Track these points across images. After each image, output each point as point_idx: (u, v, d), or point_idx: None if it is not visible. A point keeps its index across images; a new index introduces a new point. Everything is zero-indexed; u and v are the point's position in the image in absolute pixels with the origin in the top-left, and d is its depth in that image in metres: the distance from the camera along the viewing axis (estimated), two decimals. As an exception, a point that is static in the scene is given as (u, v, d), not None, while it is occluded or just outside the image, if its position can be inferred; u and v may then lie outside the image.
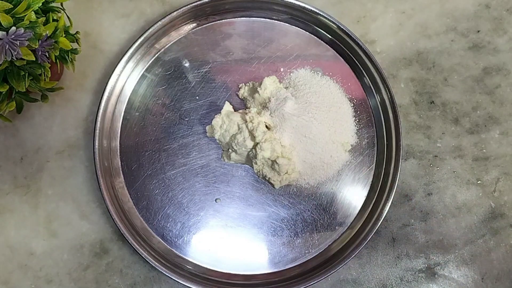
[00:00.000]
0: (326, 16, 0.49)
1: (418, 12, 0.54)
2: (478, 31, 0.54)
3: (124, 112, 0.49)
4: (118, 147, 0.49)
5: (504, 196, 0.51)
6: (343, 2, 0.53)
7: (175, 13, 0.48)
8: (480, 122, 0.52)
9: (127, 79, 0.49)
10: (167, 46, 0.50)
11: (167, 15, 0.48)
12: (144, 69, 0.50)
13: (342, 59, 0.51)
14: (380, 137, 0.50)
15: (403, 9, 0.54)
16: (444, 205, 0.51)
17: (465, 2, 0.54)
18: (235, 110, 0.49)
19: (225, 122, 0.47)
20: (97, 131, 0.47)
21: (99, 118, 0.47)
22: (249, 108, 0.49)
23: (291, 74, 0.50)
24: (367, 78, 0.51)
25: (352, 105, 0.50)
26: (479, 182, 0.51)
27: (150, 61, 0.50)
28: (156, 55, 0.50)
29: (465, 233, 0.50)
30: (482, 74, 0.53)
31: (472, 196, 0.51)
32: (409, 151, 0.51)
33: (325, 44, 0.52)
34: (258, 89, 0.48)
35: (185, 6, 0.49)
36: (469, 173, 0.51)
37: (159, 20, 0.48)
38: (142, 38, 0.48)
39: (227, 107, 0.48)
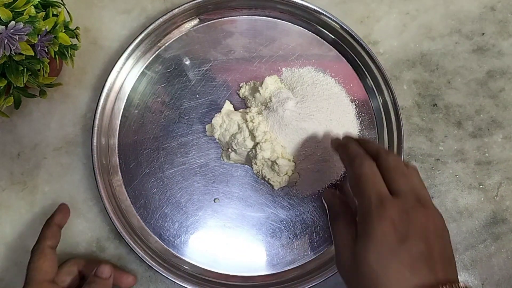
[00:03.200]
0: (329, 16, 0.49)
1: (422, 14, 0.53)
2: (483, 34, 0.53)
3: (123, 109, 0.49)
4: (117, 145, 0.48)
5: (506, 201, 0.51)
6: (346, 2, 0.53)
7: (176, 10, 0.48)
8: (483, 126, 0.52)
9: (127, 76, 0.49)
10: (167, 43, 0.50)
11: (168, 12, 0.48)
12: (144, 66, 0.50)
13: (345, 60, 0.51)
14: (382, 139, 0.50)
15: (407, 10, 0.54)
16: (445, 209, 0.50)
17: (470, 4, 0.54)
18: (235, 110, 0.49)
19: (225, 121, 0.46)
20: (96, 128, 0.46)
21: (97, 115, 0.46)
22: (250, 107, 0.48)
23: (293, 74, 0.50)
24: (370, 79, 0.50)
25: (354, 106, 0.50)
26: (481, 186, 0.51)
27: (150, 58, 0.50)
28: (157, 52, 0.50)
29: (466, 238, 0.50)
30: (486, 77, 0.53)
31: (473, 200, 0.50)
32: (411, 154, 0.51)
33: (327, 44, 0.51)
34: (259, 88, 0.47)
35: (186, 3, 0.48)
36: (471, 177, 0.51)
37: (160, 17, 0.48)
38: (142, 35, 0.48)
39: (228, 106, 0.48)
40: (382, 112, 0.50)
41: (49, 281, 0.41)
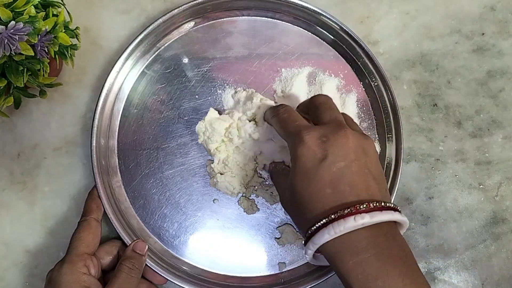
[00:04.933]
0: (328, 16, 0.49)
1: (423, 14, 0.53)
2: (483, 34, 0.53)
3: (123, 109, 0.48)
4: (116, 145, 0.48)
5: (506, 201, 0.50)
6: (346, 2, 0.53)
7: (176, 10, 0.48)
8: (483, 126, 0.52)
9: (126, 76, 0.49)
10: (167, 43, 0.50)
11: (168, 12, 0.48)
12: (143, 66, 0.49)
13: (344, 60, 0.50)
14: (383, 139, 0.49)
15: (407, 10, 0.53)
16: (445, 209, 0.50)
17: (470, 4, 0.54)
18: (220, 114, 0.48)
19: (208, 129, 0.46)
20: (95, 128, 0.46)
21: (97, 116, 0.46)
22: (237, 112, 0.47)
23: (293, 74, 0.49)
24: (369, 79, 0.50)
25: (355, 106, 0.50)
26: (481, 186, 0.51)
27: (150, 58, 0.49)
28: (156, 53, 0.49)
29: (466, 238, 0.50)
30: (486, 77, 0.53)
31: (473, 200, 0.50)
32: (411, 154, 0.51)
33: (326, 44, 0.51)
34: (254, 98, 0.47)
35: (186, 3, 0.48)
36: (471, 177, 0.51)
37: (160, 17, 0.48)
38: (142, 35, 0.47)
39: (212, 113, 0.47)
40: (382, 112, 0.49)
41: (89, 254, 0.42)
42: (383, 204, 0.33)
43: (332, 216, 0.33)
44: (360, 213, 0.32)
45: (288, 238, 0.47)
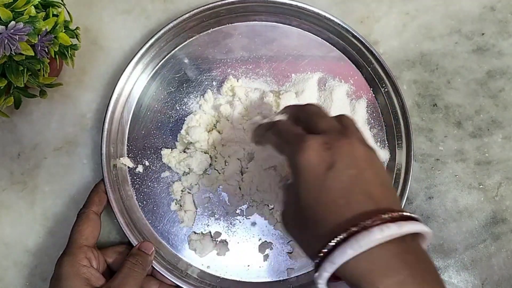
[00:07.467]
0: (341, 23, 0.48)
1: (422, 14, 0.53)
2: (483, 34, 0.53)
3: (132, 114, 0.48)
4: (125, 149, 0.48)
5: (506, 201, 0.51)
6: (346, 2, 0.53)
7: (187, 15, 0.47)
8: (483, 126, 0.52)
9: (136, 82, 0.48)
10: (176, 48, 0.49)
11: (178, 18, 0.47)
12: (152, 72, 0.49)
13: (354, 66, 0.50)
14: (392, 137, 0.49)
15: (407, 10, 0.53)
16: (445, 209, 0.50)
17: (470, 4, 0.54)
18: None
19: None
20: (105, 133, 0.45)
21: (107, 120, 0.46)
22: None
23: (303, 79, 0.49)
24: (379, 86, 0.50)
25: (365, 107, 0.50)
26: (481, 186, 0.51)
27: (159, 64, 0.49)
28: (166, 58, 0.49)
29: (466, 238, 0.50)
30: (485, 77, 0.53)
31: (473, 200, 0.50)
32: (411, 154, 0.51)
33: (337, 50, 0.51)
34: (265, 98, 0.47)
35: (196, 8, 0.48)
36: (471, 177, 0.51)
37: (170, 22, 0.47)
38: (152, 40, 0.47)
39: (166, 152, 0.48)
40: (392, 119, 0.49)
41: (89, 246, 0.42)
42: (405, 214, 0.29)
43: (353, 228, 0.27)
44: (385, 222, 0.27)
45: (301, 252, 0.46)
